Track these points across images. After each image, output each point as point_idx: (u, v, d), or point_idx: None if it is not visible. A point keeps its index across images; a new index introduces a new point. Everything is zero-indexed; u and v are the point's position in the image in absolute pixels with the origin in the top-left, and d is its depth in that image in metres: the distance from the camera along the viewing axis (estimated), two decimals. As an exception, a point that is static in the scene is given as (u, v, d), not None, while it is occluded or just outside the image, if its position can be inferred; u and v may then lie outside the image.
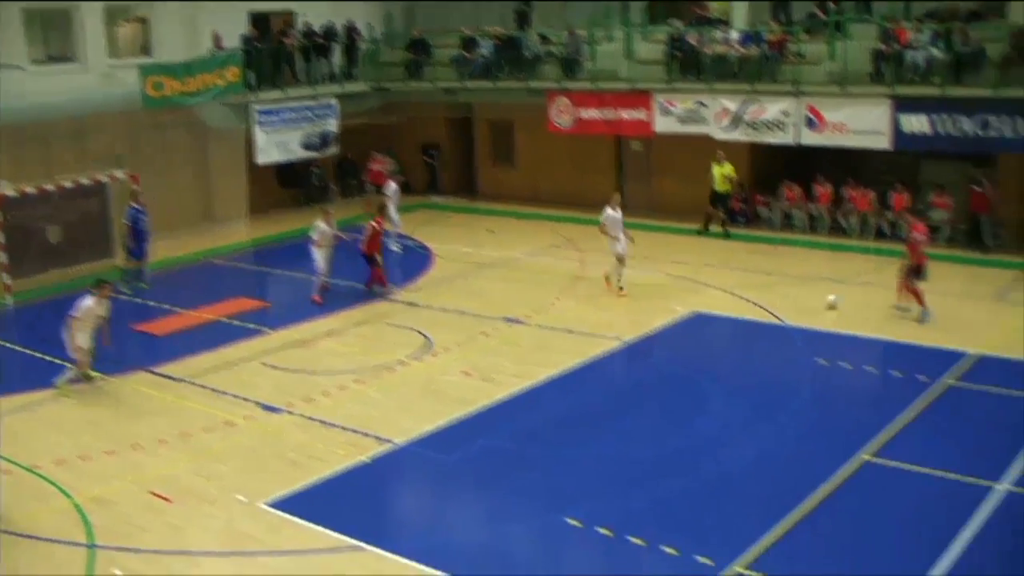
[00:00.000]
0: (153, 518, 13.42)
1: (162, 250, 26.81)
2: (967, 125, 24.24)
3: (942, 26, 25.06)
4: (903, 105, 24.98)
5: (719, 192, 28.17)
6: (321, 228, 23.00)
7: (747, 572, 11.70)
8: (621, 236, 22.39)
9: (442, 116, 34.85)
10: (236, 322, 21.77)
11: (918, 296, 20.36)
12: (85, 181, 25.59)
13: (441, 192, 35.34)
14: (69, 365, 18.16)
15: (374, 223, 22.82)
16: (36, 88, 26.46)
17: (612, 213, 22.45)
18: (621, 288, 22.54)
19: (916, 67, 24.93)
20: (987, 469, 13.91)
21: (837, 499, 13.41)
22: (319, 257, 23.05)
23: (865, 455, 14.50)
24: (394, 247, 26.97)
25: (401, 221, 27.78)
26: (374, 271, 23.00)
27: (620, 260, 22.42)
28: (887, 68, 25.37)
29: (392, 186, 28.25)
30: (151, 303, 23.14)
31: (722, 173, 27.94)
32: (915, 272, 20.43)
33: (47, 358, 19.12)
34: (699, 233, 28.26)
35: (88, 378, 18.24)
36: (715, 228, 28.16)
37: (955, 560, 11.83)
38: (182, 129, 29.93)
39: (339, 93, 32.56)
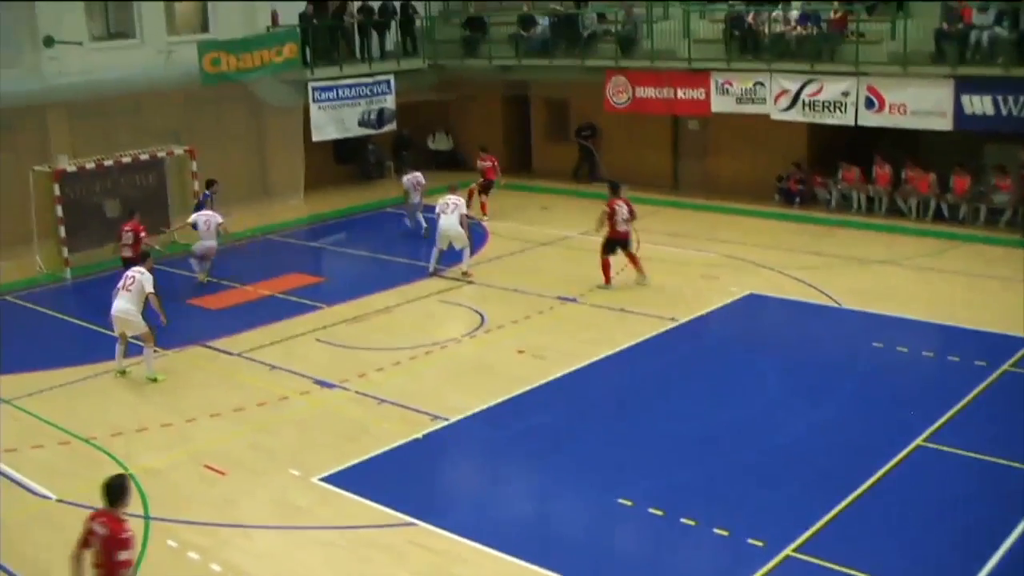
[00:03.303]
0: (207, 490, 13.54)
1: (218, 226, 27.03)
2: (1032, 106, 23.69)
3: (1007, 4, 24.50)
4: (966, 85, 24.43)
5: None
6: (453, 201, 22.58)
7: (798, 555, 11.61)
8: None
9: (499, 94, 34.68)
10: (292, 297, 21.88)
11: (605, 270, 21.39)
12: (143, 156, 25.82)
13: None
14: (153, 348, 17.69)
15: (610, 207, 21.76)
16: (95, 64, 26.63)
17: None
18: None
19: (980, 46, 24.44)
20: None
21: (891, 484, 13.25)
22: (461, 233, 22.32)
23: (920, 440, 14.32)
24: (409, 223, 27.12)
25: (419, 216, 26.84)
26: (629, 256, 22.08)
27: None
28: (949, 48, 24.87)
29: (416, 176, 27.18)
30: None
31: None
32: (614, 246, 21.41)
33: (104, 331, 19.24)
34: None
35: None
36: None
37: (1010, 548, 11.66)
38: (239, 105, 30.05)
39: (395, 70, 32.43)
